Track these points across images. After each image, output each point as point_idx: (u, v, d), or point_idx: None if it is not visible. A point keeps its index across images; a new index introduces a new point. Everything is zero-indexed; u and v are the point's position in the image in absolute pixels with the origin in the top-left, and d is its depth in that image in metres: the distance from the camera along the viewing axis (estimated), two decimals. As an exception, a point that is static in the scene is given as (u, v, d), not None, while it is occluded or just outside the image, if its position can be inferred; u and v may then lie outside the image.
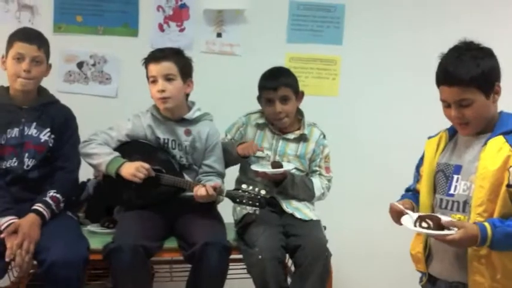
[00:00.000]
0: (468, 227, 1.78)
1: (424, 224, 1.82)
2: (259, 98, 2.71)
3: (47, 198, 2.32)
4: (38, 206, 2.29)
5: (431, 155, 2.05)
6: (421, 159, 2.14)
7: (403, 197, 2.16)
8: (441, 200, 1.99)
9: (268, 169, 2.53)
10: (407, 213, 1.93)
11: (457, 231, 1.77)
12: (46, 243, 2.20)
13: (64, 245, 2.19)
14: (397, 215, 1.97)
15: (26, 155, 2.37)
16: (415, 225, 1.84)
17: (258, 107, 2.77)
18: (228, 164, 2.67)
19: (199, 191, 2.35)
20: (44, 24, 3.07)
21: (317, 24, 3.36)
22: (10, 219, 2.21)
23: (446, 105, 1.94)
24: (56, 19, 3.16)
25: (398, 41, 3.38)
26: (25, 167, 2.37)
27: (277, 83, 2.62)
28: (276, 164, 2.55)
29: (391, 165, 3.24)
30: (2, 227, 2.18)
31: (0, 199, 2.25)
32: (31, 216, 2.25)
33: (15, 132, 2.38)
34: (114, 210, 2.62)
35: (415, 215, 1.89)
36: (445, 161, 2.01)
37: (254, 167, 2.56)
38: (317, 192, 2.66)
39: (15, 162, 2.36)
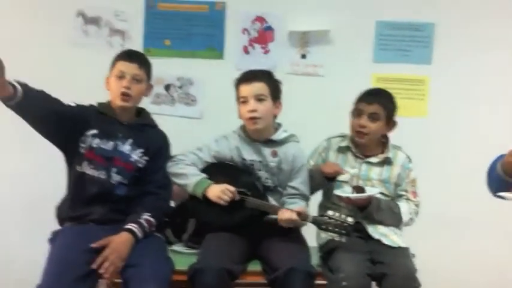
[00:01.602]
0: None
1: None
2: (352, 111, 2.65)
3: (142, 220, 2.35)
4: (132, 226, 2.32)
5: None
6: None
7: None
8: None
9: (351, 194, 2.46)
10: None
11: None
12: (133, 262, 2.23)
13: (150, 265, 2.22)
14: None
15: (114, 170, 2.43)
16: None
17: (345, 129, 2.71)
18: (312, 189, 2.62)
19: (284, 215, 2.32)
20: (134, 48, 3.12)
21: (405, 44, 3.28)
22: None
23: None
24: (145, 43, 3.28)
25: (490, 60, 3.24)
26: (112, 181, 2.42)
27: (374, 99, 2.57)
28: (359, 189, 2.48)
29: (483, 189, 3.06)
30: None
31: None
32: (124, 235, 2.29)
33: (109, 144, 2.44)
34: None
35: None
36: None
37: (337, 192, 2.49)
38: (404, 217, 2.56)
39: (104, 174, 2.42)
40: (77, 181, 2.42)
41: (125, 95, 2.43)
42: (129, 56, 2.52)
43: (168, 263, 2.31)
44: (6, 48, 3.18)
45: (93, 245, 2.23)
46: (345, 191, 2.51)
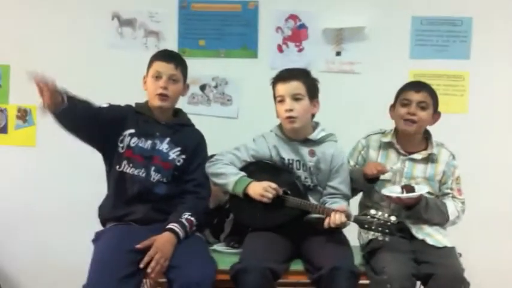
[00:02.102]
0: None
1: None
2: (393, 104, 2.61)
3: (183, 220, 2.35)
4: (174, 226, 2.33)
5: None
6: None
7: None
8: None
9: (400, 193, 2.40)
10: None
11: None
12: (177, 263, 2.23)
13: (195, 266, 2.21)
14: None
15: (153, 168, 2.43)
16: None
17: (381, 126, 2.66)
18: (354, 191, 2.59)
19: (335, 219, 2.27)
20: (169, 48, 3.18)
21: (442, 39, 3.23)
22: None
23: None
24: (180, 44, 3.29)
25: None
26: (152, 179, 2.42)
27: (421, 87, 2.54)
28: (408, 188, 2.42)
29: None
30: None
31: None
32: (167, 235, 2.29)
33: (148, 143, 2.45)
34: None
35: None
36: None
37: (385, 192, 2.42)
38: (451, 216, 2.50)
39: (143, 173, 2.42)
40: (117, 181, 2.43)
41: (162, 95, 2.44)
42: (165, 56, 2.52)
43: (212, 263, 2.31)
44: (43, 51, 3.28)
45: (138, 246, 2.23)
46: (392, 191, 2.44)
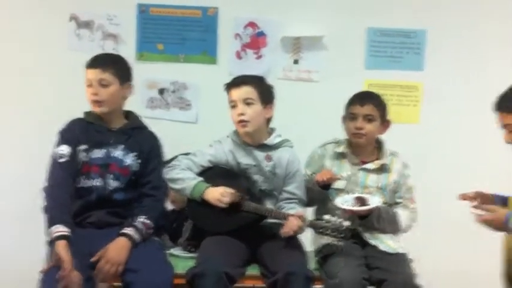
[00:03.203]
0: (498, 212, 2.15)
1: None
2: (344, 114, 2.66)
3: (138, 224, 2.34)
4: (129, 230, 2.31)
5: None
6: None
7: None
8: None
9: (354, 206, 2.43)
10: None
11: (490, 214, 2.15)
12: (133, 266, 2.22)
13: (151, 270, 2.21)
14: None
15: (111, 176, 2.41)
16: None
17: (338, 134, 2.71)
18: (312, 201, 2.62)
19: (293, 224, 2.31)
20: (127, 52, 3.15)
21: (396, 50, 3.31)
22: (65, 231, 2.19)
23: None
24: (138, 47, 3.28)
25: (483, 65, 3.28)
26: (109, 187, 2.41)
27: (366, 101, 2.59)
28: (361, 199, 2.45)
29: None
30: (54, 235, 2.17)
31: (66, 210, 2.27)
32: (121, 240, 2.28)
33: (102, 152, 2.42)
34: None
35: None
36: None
37: (338, 204, 2.45)
38: (403, 225, 2.57)
39: (100, 182, 2.41)
40: (76, 195, 2.39)
41: (95, 102, 2.42)
42: (92, 62, 2.47)
43: (168, 267, 2.30)
44: (1, 52, 3.21)
45: (92, 260, 2.22)
46: (346, 200, 2.47)
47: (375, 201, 2.46)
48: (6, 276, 3.15)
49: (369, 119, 2.57)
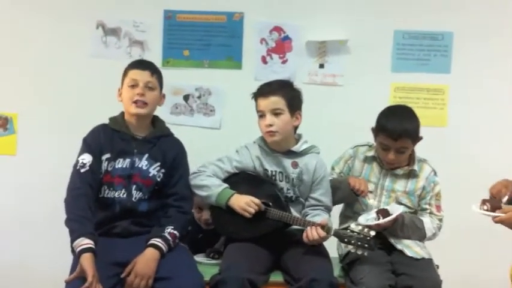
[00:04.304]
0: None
1: (484, 207, 2.20)
2: (374, 132, 2.60)
3: (166, 234, 2.34)
4: (157, 241, 2.31)
5: None
6: None
7: None
8: None
9: (377, 219, 2.39)
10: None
11: (506, 213, 2.13)
12: (165, 274, 2.24)
13: (182, 276, 2.22)
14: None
15: (134, 187, 2.42)
16: (479, 208, 2.21)
17: (364, 138, 2.70)
18: (337, 201, 2.61)
19: (312, 235, 2.30)
20: (153, 58, 3.13)
21: (423, 53, 3.26)
22: (88, 243, 2.19)
23: None
24: (164, 54, 3.30)
25: (510, 67, 3.21)
26: (133, 199, 2.41)
27: (400, 133, 2.46)
28: (383, 212, 2.42)
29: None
30: (78, 248, 2.17)
31: (88, 221, 2.26)
32: (149, 251, 2.28)
33: (126, 162, 2.43)
34: (218, 243, 2.65)
35: None
36: None
37: (362, 222, 2.40)
38: (428, 233, 2.53)
39: (124, 193, 2.41)
40: (99, 206, 2.41)
41: (139, 102, 2.42)
42: (140, 64, 2.53)
43: (199, 273, 2.30)
44: (26, 58, 3.28)
45: (122, 275, 2.24)
46: (368, 217, 2.43)
47: (396, 209, 2.43)
48: (35, 284, 3.21)
49: (401, 152, 2.51)
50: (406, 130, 2.48)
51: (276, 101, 2.45)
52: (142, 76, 2.45)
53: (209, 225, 2.77)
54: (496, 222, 2.16)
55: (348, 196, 2.55)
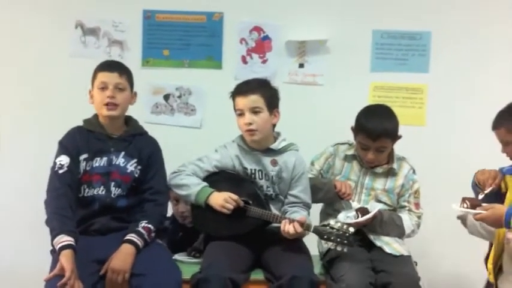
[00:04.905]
0: (496, 208, 2.10)
1: (464, 205, 2.20)
2: (354, 131, 2.62)
3: (140, 229, 2.36)
4: (132, 236, 2.33)
5: None
6: None
7: None
8: None
9: (357, 218, 2.43)
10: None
11: (487, 211, 2.10)
12: (141, 270, 2.24)
13: (160, 272, 2.23)
14: None
15: (113, 183, 2.43)
16: (460, 206, 2.21)
17: (344, 137, 2.72)
18: (318, 200, 2.63)
19: (287, 228, 2.32)
20: (133, 58, 3.20)
21: (402, 53, 3.29)
22: (68, 240, 2.19)
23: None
24: (144, 53, 3.29)
25: (488, 67, 3.25)
26: (112, 195, 2.43)
27: (379, 133, 2.49)
28: (362, 210, 2.46)
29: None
30: (58, 245, 2.18)
31: (68, 220, 2.27)
32: (125, 247, 2.30)
33: (103, 161, 2.44)
34: (197, 241, 2.64)
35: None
36: None
37: (341, 219, 2.44)
38: (407, 230, 2.57)
39: (102, 190, 2.42)
40: (79, 205, 2.41)
41: (110, 105, 2.43)
42: (108, 65, 2.52)
43: (176, 269, 2.32)
44: (5, 59, 3.24)
45: (101, 273, 2.25)
46: (348, 215, 2.47)
47: (374, 206, 2.48)
48: (13, 283, 3.18)
49: (381, 151, 2.54)
50: (385, 130, 2.51)
51: (255, 99, 2.46)
52: (111, 78, 2.44)
53: (185, 219, 2.77)
54: (477, 219, 2.18)
55: (331, 197, 2.57)
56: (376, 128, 2.49)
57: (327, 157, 2.70)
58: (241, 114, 2.48)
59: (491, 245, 2.44)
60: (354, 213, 2.46)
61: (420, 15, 3.27)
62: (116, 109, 2.44)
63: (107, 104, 2.42)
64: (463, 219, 2.44)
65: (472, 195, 2.38)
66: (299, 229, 2.31)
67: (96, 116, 2.51)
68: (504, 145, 2.36)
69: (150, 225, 2.38)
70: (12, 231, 3.25)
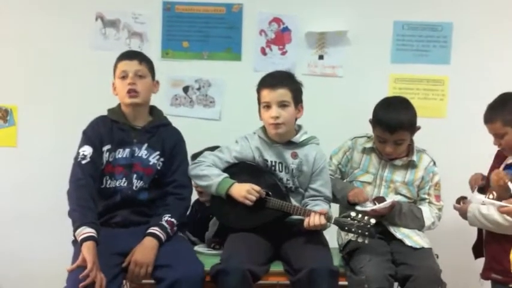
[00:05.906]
0: None
1: (490, 196, 2.19)
2: (372, 124, 2.61)
3: (163, 222, 2.36)
4: (155, 230, 2.33)
5: None
6: None
7: None
8: None
9: (374, 206, 2.43)
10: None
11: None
12: (164, 262, 2.26)
13: (185, 264, 2.24)
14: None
15: (135, 176, 2.44)
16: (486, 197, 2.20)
17: (363, 129, 2.70)
18: (335, 200, 2.62)
19: (316, 220, 2.31)
20: (152, 50, 3.20)
21: (422, 44, 3.26)
22: (90, 232, 2.20)
23: None
24: (163, 45, 3.30)
25: (510, 59, 3.21)
26: (134, 188, 2.43)
27: (396, 126, 2.47)
28: (379, 199, 2.46)
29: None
30: (80, 237, 2.19)
31: (90, 211, 2.28)
32: (148, 240, 2.31)
33: (126, 152, 2.45)
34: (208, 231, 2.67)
35: None
36: None
37: (358, 208, 2.44)
38: (427, 222, 2.56)
39: (124, 182, 2.43)
40: (101, 196, 2.42)
41: (131, 92, 2.43)
42: (127, 54, 2.54)
43: (199, 261, 2.32)
44: (26, 51, 3.27)
45: (124, 265, 2.27)
46: (365, 206, 2.47)
47: (392, 196, 2.48)
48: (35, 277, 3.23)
49: (399, 143, 2.52)
50: (402, 123, 2.49)
51: (283, 93, 2.45)
52: (130, 66, 2.46)
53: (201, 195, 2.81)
54: (502, 212, 2.17)
55: (343, 204, 2.59)
56: (393, 121, 2.48)
57: (345, 151, 2.69)
58: (267, 106, 2.47)
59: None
60: (370, 204, 2.47)
61: (442, 7, 3.24)
62: (137, 96, 2.44)
63: (128, 92, 2.43)
64: (461, 211, 2.45)
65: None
66: (323, 221, 2.31)
67: (120, 106, 2.52)
68: (499, 137, 2.37)
69: (173, 219, 2.38)
70: (30, 222, 3.28)
